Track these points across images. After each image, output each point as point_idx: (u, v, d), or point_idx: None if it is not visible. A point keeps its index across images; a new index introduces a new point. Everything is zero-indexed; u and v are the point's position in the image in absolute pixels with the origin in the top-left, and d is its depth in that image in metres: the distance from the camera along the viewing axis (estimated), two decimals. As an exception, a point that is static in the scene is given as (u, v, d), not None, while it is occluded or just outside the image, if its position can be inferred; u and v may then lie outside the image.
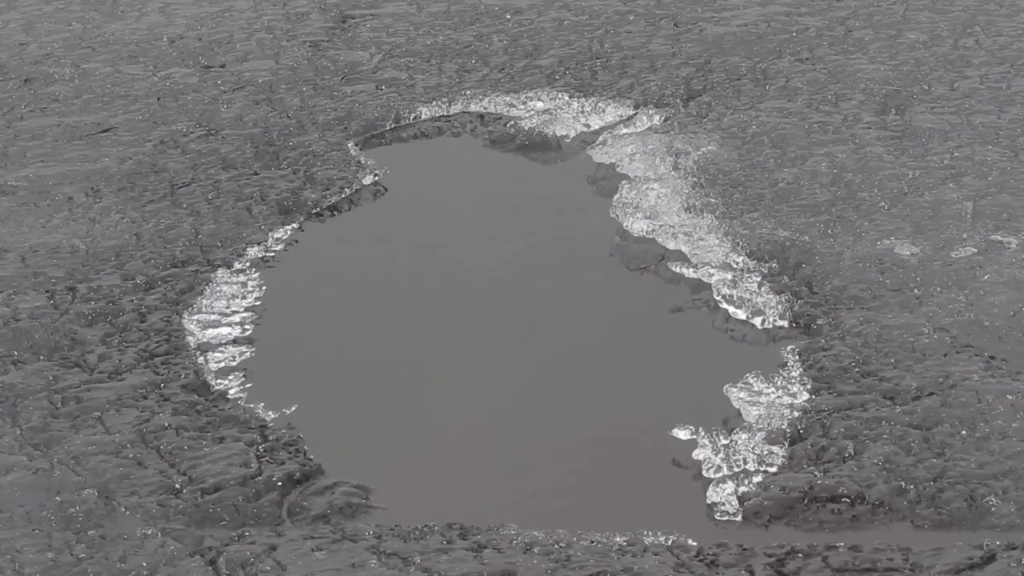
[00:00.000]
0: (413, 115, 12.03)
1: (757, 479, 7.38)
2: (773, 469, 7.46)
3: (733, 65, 12.41)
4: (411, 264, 9.94)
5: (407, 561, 6.87)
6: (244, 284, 9.50)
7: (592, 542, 6.98)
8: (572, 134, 11.62)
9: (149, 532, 7.12)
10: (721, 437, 7.67)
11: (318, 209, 10.60)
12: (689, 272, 9.46)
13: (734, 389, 8.07)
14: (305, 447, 7.83)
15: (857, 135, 10.93)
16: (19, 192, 10.74)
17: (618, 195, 10.46)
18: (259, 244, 10.01)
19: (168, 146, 11.41)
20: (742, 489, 7.33)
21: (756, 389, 8.07)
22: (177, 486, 7.47)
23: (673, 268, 9.53)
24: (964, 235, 9.45)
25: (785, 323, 8.81)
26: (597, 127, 11.67)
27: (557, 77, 12.42)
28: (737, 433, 7.71)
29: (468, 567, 6.82)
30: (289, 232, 10.26)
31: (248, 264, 9.76)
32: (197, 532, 7.18)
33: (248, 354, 8.77)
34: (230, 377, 8.53)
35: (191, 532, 7.17)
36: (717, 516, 7.27)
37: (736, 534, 7.13)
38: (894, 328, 8.48)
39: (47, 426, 7.99)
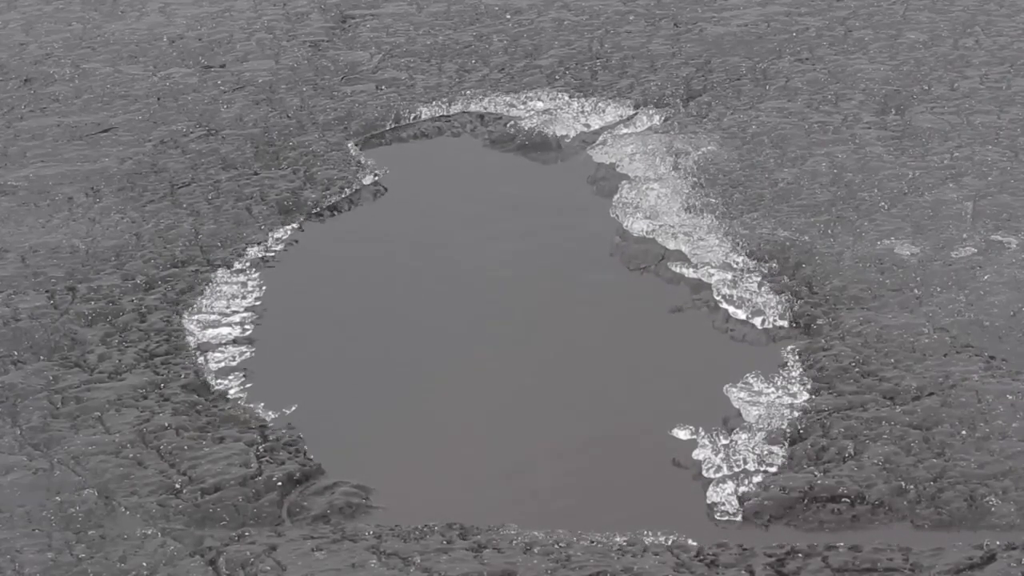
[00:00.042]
0: (413, 115, 12.03)
1: (757, 479, 7.38)
2: (773, 469, 7.46)
3: (733, 65, 12.42)
4: (411, 264, 9.94)
5: (407, 561, 6.87)
6: (244, 284, 9.50)
7: (592, 542, 6.98)
8: (572, 134, 11.62)
9: (149, 532, 7.12)
10: (721, 437, 7.67)
11: (318, 209, 10.60)
12: (689, 272, 9.46)
13: (734, 389, 8.07)
14: (305, 447, 7.83)
15: (857, 135, 10.93)
16: (19, 192, 10.74)
17: (618, 195, 10.46)
18: (259, 244, 10.01)
19: (168, 146, 11.41)
20: (742, 489, 7.33)
21: (756, 389, 8.07)
22: (177, 486, 7.47)
23: (673, 268, 9.53)
24: (964, 235, 9.45)
25: (785, 323, 8.81)
26: (597, 127, 11.67)
27: (557, 77, 12.42)
28: (737, 433, 7.71)
29: (468, 567, 6.82)
30: (289, 232, 10.26)
31: (248, 264, 9.76)
32: (197, 532, 7.18)
33: (248, 354, 8.77)
34: (230, 377, 8.53)
35: (191, 532, 7.17)
36: (717, 516, 7.27)
37: (736, 534, 7.13)
38: (894, 328, 8.49)
39: (47, 426, 7.99)
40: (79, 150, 11.40)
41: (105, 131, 11.75)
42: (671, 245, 9.74)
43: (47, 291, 9.30)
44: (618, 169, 10.92)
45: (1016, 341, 8.33)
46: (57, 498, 7.37)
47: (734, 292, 9.09)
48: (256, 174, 10.91)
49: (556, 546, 6.95)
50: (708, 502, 7.33)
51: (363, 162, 11.22)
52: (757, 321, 8.88)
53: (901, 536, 7.02)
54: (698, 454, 7.61)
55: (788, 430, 7.71)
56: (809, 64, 12.35)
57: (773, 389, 8.06)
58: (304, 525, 7.28)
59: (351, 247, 10.24)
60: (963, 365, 8.09)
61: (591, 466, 7.72)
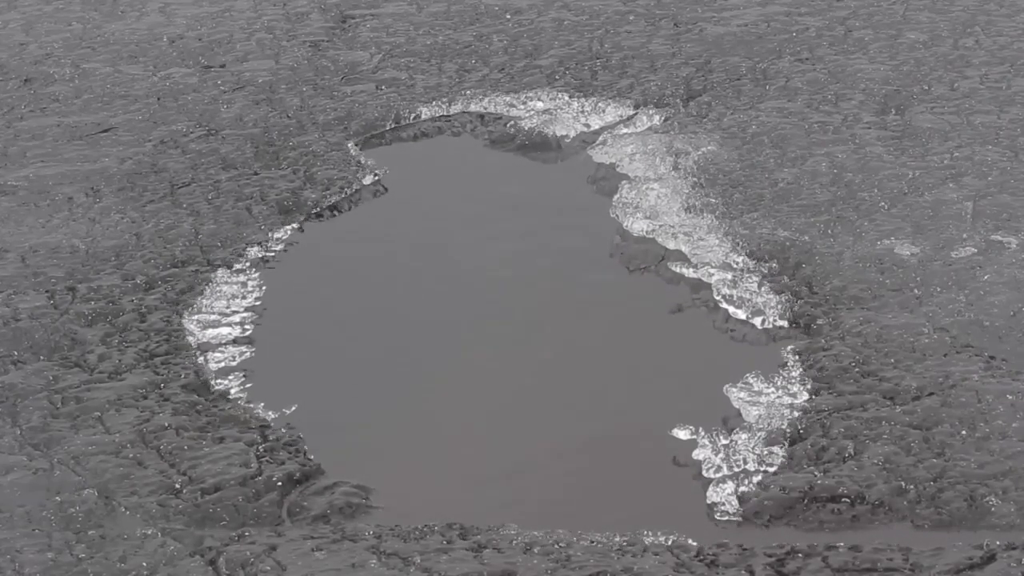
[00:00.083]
0: (413, 115, 12.03)
1: (757, 479, 7.38)
2: (773, 469, 7.46)
3: (733, 65, 12.41)
4: (411, 264, 9.94)
5: (407, 561, 6.87)
6: (244, 284, 9.50)
7: (592, 542, 6.98)
8: (572, 134, 11.62)
9: (149, 532, 7.12)
10: (721, 437, 7.67)
11: (318, 209, 10.60)
12: (689, 272, 9.46)
13: (734, 389, 8.07)
14: (305, 447, 7.83)
15: (857, 135, 10.92)
16: (19, 192, 10.74)
17: (618, 195, 10.46)
18: (259, 244, 10.01)
19: (168, 146, 11.41)
20: (742, 489, 7.33)
21: (756, 389, 8.07)
22: (177, 486, 7.47)
23: (673, 268, 9.53)
24: (964, 235, 9.45)
25: (785, 323, 8.81)
26: (597, 127, 11.67)
27: (557, 77, 12.42)
28: (737, 433, 7.71)
29: (468, 567, 6.82)
30: (289, 232, 10.26)
31: (248, 264, 9.76)
32: (197, 532, 7.18)
33: (248, 354, 8.77)
34: (230, 377, 8.53)
35: (191, 532, 7.17)
36: (717, 516, 7.27)
37: (736, 534, 7.13)
38: (894, 328, 8.48)
39: (47, 426, 7.99)
40: (79, 150, 11.40)
41: (105, 131, 11.75)
42: (671, 245, 9.74)
43: (47, 291, 9.30)
44: (618, 169, 10.92)
45: (1016, 341, 8.33)
46: (57, 498, 7.37)
47: (734, 292, 9.09)
48: (256, 174, 10.91)
49: (556, 546, 6.95)
50: (708, 502, 7.33)
51: (363, 162, 11.21)
52: (757, 321, 8.88)
53: (901, 536, 7.02)
54: (698, 454, 7.61)
55: (788, 430, 7.71)
56: (809, 64, 12.35)
57: (773, 389, 8.05)
58: (304, 525, 7.28)
59: (351, 247, 10.24)
60: (963, 365, 8.09)
61: (591, 466, 7.72)
